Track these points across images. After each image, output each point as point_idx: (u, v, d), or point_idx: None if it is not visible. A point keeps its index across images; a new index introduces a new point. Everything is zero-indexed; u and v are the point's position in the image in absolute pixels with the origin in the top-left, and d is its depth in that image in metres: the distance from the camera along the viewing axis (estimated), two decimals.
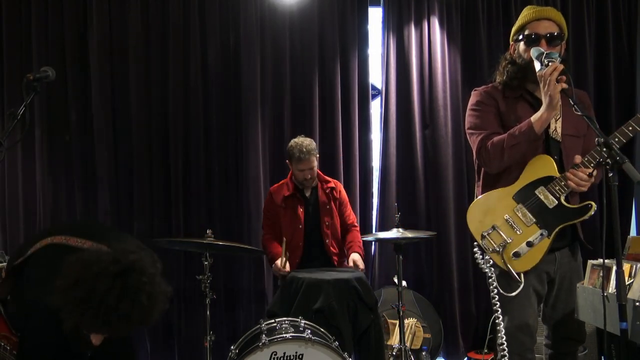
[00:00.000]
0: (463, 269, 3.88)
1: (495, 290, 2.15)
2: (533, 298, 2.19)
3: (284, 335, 2.49)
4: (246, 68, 3.80)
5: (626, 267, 2.09)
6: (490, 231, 2.15)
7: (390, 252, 3.72)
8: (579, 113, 1.83)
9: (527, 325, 2.17)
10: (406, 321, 3.46)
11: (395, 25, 3.92)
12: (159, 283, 1.63)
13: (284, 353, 2.44)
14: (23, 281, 1.91)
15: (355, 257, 3.20)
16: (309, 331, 2.51)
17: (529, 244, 2.12)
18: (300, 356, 2.45)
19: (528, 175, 2.15)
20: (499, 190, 2.19)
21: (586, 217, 2.12)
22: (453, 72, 3.94)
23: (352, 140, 3.88)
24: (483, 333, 3.74)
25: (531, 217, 2.13)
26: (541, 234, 2.12)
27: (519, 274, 2.12)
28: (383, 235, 3.17)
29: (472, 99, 2.32)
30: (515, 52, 2.25)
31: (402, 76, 3.91)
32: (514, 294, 2.12)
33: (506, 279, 2.15)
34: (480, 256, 2.17)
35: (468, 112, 2.32)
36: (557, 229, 2.12)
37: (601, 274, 2.08)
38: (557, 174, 2.12)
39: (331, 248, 3.34)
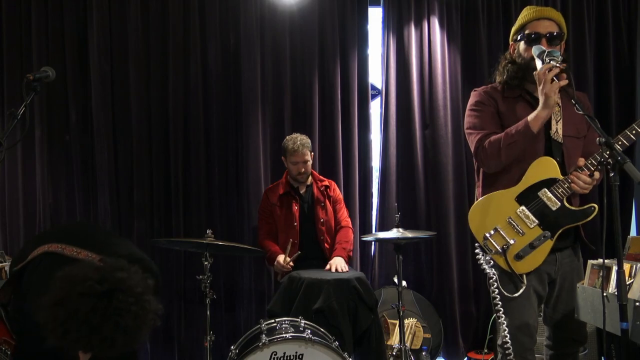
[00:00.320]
0: (463, 269, 3.88)
1: (497, 291, 2.15)
2: (533, 298, 2.19)
3: (284, 335, 2.49)
4: (246, 68, 3.79)
5: (626, 267, 2.08)
6: (493, 233, 2.15)
7: (390, 252, 3.73)
8: (580, 112, 1.83)
9: (527, 325, 2.17)
10: (406, 321, 3.46)
11: (395, 25, 3.91)
12: (147, 301, 1.55)
13: (284, 353, 2.44)
14: (22, 287, 1.91)
15: (333, 262, 3.19)
16: (309, 331, 2.51)
17: (532, 246, 2.12)
18: (300, 356, 2.45)
19: (531, 177, 2.15)
20: (501, 192, 2.19)
21: (589, 219, 2.12)
22: (453, 72, 3.94)
23: (351, 140, 3.88)
24: (483, 333, 3.75)
25: (534, 219, 2.13)
26: (544, 236, 2.12)
27: (521, 275, 2.12)
28: (383, 235, 3.16)
29: (472, 99, 2.32)
30: (515, 51, 2.25)
31: (402, 76, 3.91)
32: (516, 295, 2.12)
33: (507, 279, 2.15)
34: (482, 257, 2.17)
35: (467, 112, 2.32)
36: (560, 231, 2.12)
37: (601, 274, 2.08)
38: (560, 176, 2.13)
39: (326, 245, 3.39)
